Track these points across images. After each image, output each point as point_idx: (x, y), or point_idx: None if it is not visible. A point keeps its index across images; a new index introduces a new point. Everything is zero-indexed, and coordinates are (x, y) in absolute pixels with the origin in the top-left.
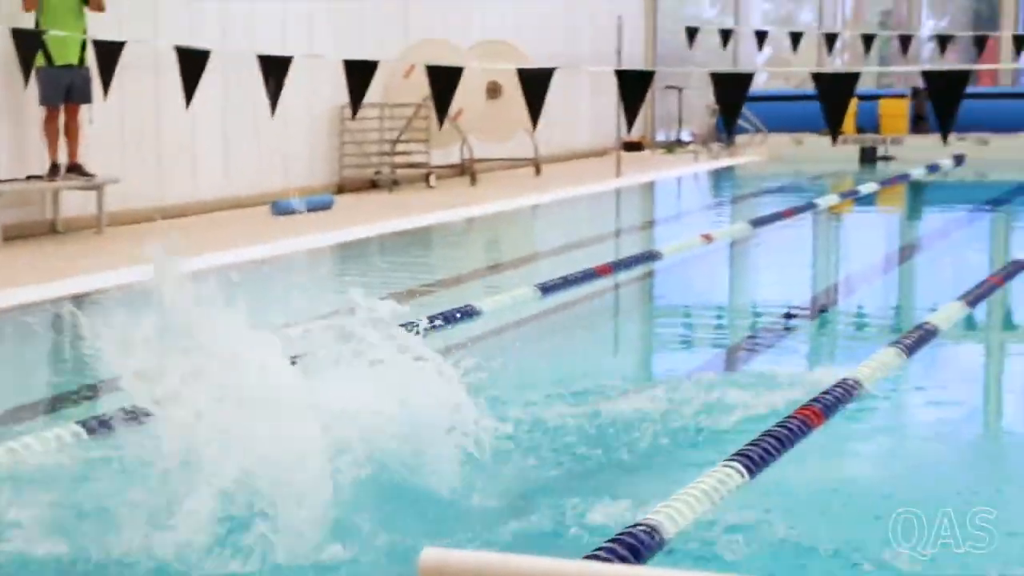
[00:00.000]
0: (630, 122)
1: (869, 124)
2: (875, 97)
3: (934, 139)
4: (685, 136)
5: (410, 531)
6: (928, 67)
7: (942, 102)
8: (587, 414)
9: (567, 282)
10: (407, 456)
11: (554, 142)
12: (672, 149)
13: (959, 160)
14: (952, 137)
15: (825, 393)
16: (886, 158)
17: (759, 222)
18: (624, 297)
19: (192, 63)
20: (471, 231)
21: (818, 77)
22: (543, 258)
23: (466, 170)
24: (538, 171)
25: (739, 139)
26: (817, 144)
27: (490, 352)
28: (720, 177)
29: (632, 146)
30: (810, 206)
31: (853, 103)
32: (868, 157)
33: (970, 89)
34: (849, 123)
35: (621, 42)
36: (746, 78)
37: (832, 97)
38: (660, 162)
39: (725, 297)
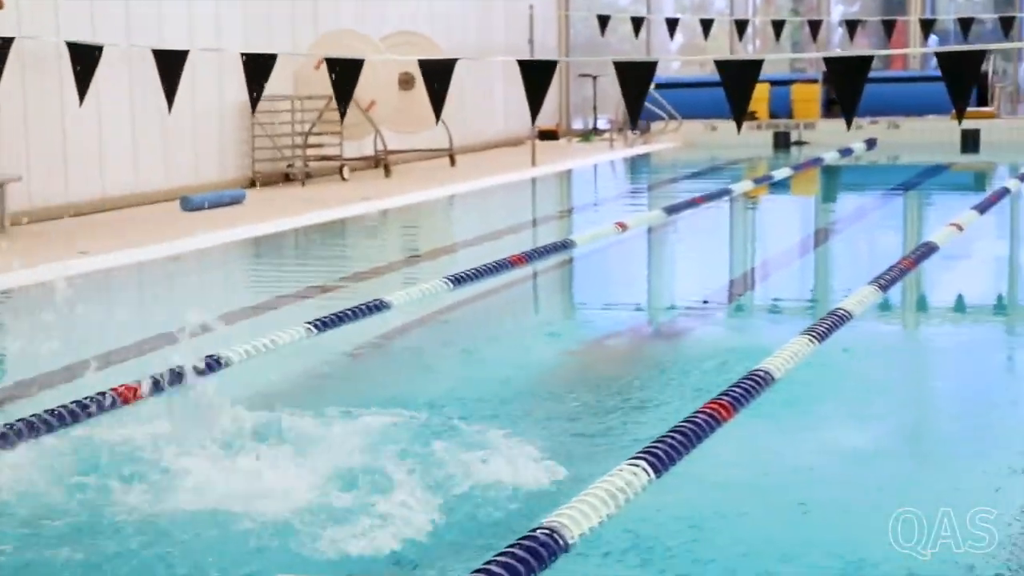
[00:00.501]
0: (534, 112)
1: (782, 109)
2: (788, 82)
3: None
4: (601, 124)
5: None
6: (833, 53)
7: (845, 87)
8: (492, 413)
9: (479, 273)
10: None
11: (469, 132)
12: (588, 137)
13: (871, 144)
14: (864, 121)
15: (734, 386)
16: (799, 143)
17: (674, 209)
18: (538, 287)
19: (85, 59)
20: (386, 224)
21: (722, 65)
22: (458, 249)
23: (380, 162)
24: (453, 162)
25: (654, 126)
26: (731, 130)
27: (394, 351)
28: (635, 164)
29: (548, 135)
30: (725, 192)
31: (766, 89)
32: (782, 142)
33: (880, 73)
34: (762, 108)
35: (533, 31)
36: (649, 67)
37: (736, 84)
38: (576, 150)
39: (639, 286)
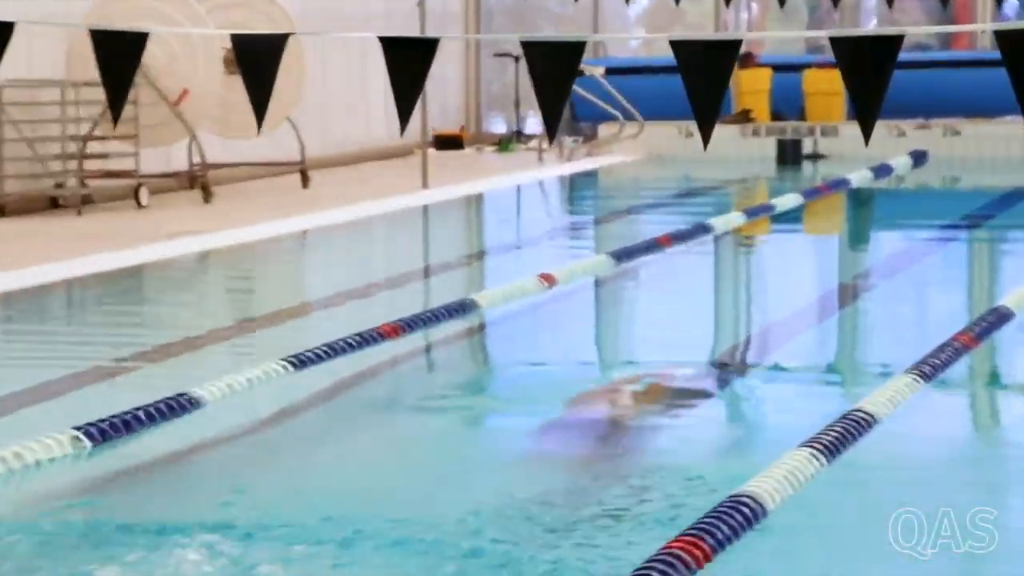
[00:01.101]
0: (401, 115)
1: (791, 107)
2: (798, 67)
3: (885, 126)
4: (529, 126)
5: None
6: (848, 31)
7: (860, 83)
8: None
9: (333, 351)
10: None
11: (333, 139)
12: (507, 146)
13: (920, 158)
14: (910, 124)
15: (712, 516)
16: (815, 156)
17: (626, 255)
18: (414, 374)
19: None
20: (201, 273)
21: (679, 45)
22: (307, 313)
23: (196, 180)
24: (306, 181)
25: (603, 130)
26: (716, 136)
27: (202, 466)
28: (575, 187)
29: (449, 142)
30: (702, 230)
31: (766, 76)
32: (789, 155)
33: (934, 55)
34: (761, 105)
35: None
36: (573, 49)
37: (701, 74)
38: (488, 165)
39: (563, 372)
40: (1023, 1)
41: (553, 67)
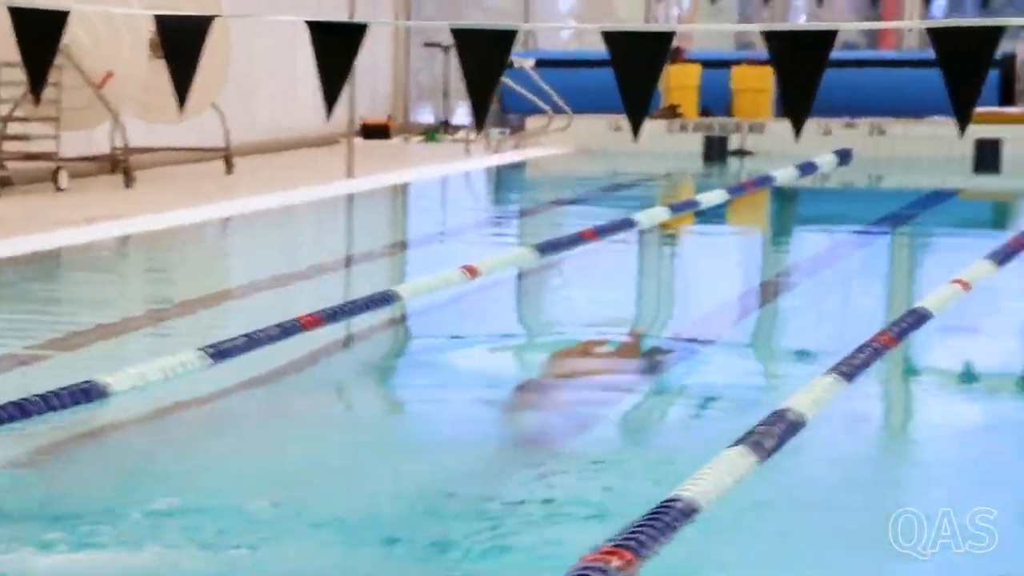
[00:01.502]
0: (328, 101)
1: (718, 103)
2: (727, 63)
3: (812, 124)
4: (457, 117)
5: None
6: (779, 25)
7: (792, 79)
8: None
9: (253, 342)
10: None
11: (259, 125)
12: (433, 135)
13: (845, 157)
14: (837, 123)
15: (630, 533)
16: (742, 152)
17: (549, 247)
18: (335, 364)
19: None
20: (121, 258)
21: (613, 38)
22: (228, 301)
23: (119, 165)
24: (230, 167)
25: (531, 123)
26: (644, 131)
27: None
28: (502, 179)
29: (376, 131)
30: (626, 224)
31: (695, 72)
32: (716, 151)
33: (861, 54)
34: (689, 101)
35: None
36: (503, 39)
37: (633, 67)
38: (415, 154)
39: (486, 363)
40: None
41: (484, 56)
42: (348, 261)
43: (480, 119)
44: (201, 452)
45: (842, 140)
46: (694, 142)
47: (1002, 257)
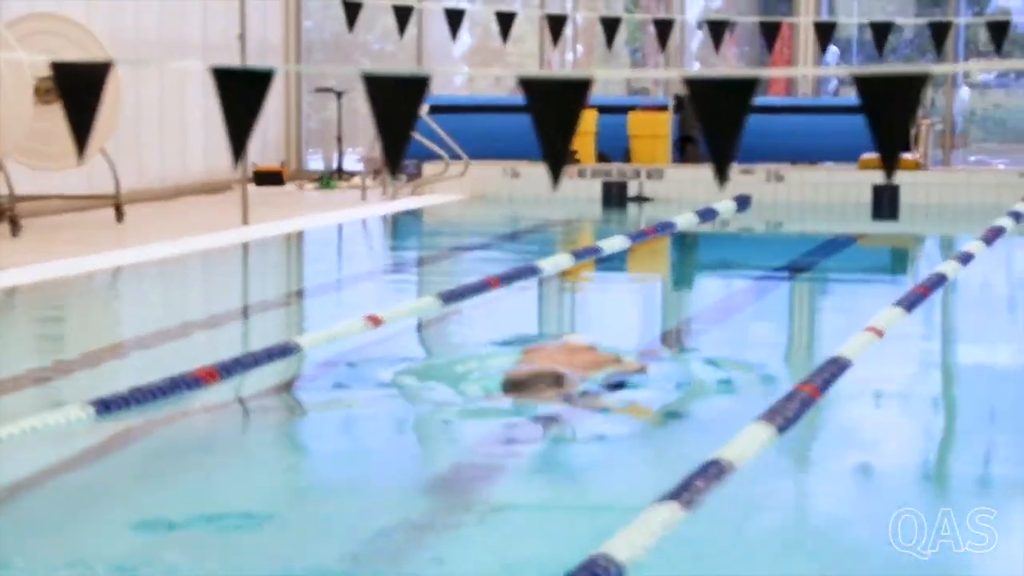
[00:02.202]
0: (236, 148)
1: (616, 149)
2: (624, 109)
3: (709, 170)
4: (351, 162)
5: None
6: (689, 72)
7: (716, 123)
8: None
9: (140, 395)
10: None
11: (149, 172)
12: (328, 182)
13: (743, 203)
14: (735, 169)
15: None
16: (641, 199)
17: (455, 296)
18: (241, 422)
19: None
20: (5, 310)
21: (531, 85)
22: (115, 356)
23: (3, 213)
24: (120, 215)
25: (427, 168)
26: (543, 178)
27: None
28: (400, 226)
29: (270, 177)
30: (530, 272)
31: (592, 118)
32: (615, 197)
33: (760, 101)
34: (587, 147)
35: (246, 23)
36: (417, 85)
37: (552, 112)
38: (310, 202)
39: (384, 415)
40: (841, 50)
41: (398, 101)
42: (243, 312)
43: (394, 166)
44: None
45: (740, 186)
46: (593, 188)
47: (909, 303)
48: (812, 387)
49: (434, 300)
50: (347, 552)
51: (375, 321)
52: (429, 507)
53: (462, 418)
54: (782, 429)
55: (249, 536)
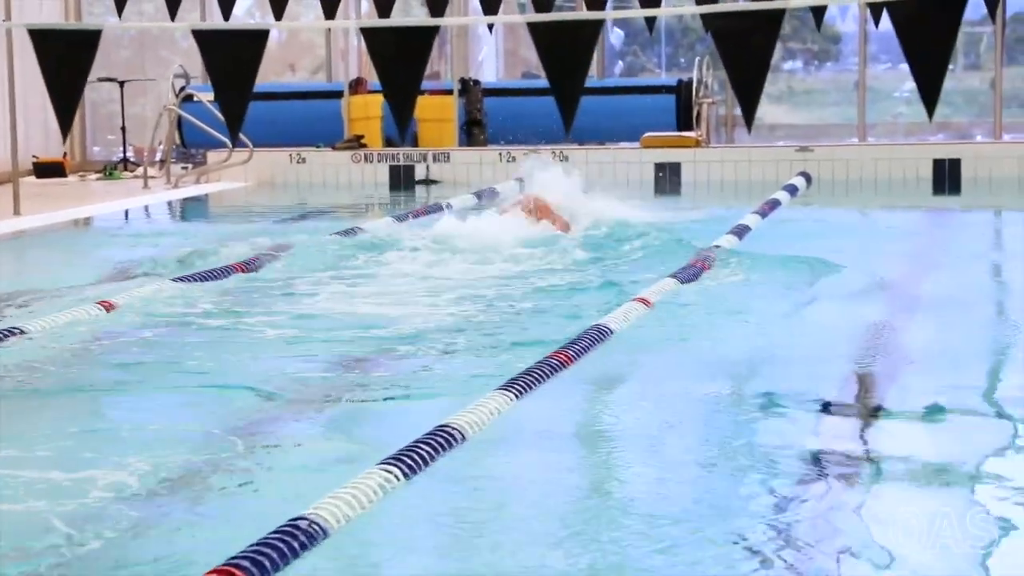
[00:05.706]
0: (63, 122)
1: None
2: None
3: (495, 152)
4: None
5: None
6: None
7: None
8: None
9: None
10: None
11: None
12: (112, 173)
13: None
14: (520, 150)
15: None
16: (428, 181)
17: (197, 279)
18: None
19: None
20: None
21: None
22: None
23: None
24: None
25: (213, 156)
26: (329, 162)
27: None
28: (184, 213)
29: (49, 169)
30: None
31: (377, 103)
32: (402, 180)
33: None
34: (373, 132)
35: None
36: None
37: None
38: (93, 193)
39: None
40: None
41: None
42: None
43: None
44: None
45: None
46: (380, 172)
47: (685, 276)
48: (567, 355)
49: (170, 284)
50: None
51: (107, 306)
52: None
53: None
54: (520, 395)
55: None
